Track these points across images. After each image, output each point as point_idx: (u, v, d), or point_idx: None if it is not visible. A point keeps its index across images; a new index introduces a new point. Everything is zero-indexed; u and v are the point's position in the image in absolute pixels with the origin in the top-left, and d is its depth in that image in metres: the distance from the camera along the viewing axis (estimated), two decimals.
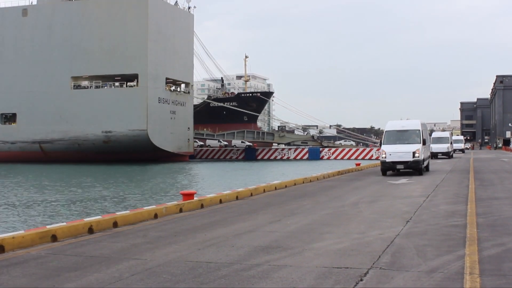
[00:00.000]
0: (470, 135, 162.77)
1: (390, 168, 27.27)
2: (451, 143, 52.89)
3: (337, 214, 13.13)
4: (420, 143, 27.05)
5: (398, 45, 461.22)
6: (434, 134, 55.42)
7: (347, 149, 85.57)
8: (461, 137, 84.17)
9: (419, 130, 27.84)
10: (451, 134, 60.45)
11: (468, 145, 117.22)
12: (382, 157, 27.30)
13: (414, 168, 26.84)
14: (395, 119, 31.80)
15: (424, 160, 27.77)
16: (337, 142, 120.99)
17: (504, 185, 21.11)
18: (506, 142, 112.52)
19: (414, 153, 26.56)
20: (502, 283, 6.71)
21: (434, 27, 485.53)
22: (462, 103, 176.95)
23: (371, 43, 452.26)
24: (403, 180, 24.00)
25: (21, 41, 79.10)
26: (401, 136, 28.05)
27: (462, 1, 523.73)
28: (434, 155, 47.89)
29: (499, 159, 48.34)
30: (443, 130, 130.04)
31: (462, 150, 72.57)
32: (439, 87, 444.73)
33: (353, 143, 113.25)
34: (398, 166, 26.92)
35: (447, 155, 51.24)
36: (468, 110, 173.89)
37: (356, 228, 10.98)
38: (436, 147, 49.88)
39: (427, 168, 30.16)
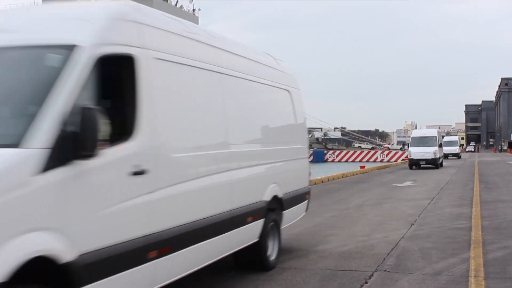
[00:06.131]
0: (475, 137, 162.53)
1: None
2: (439, 146, 38.77)
3: (342, 217, 13.11)
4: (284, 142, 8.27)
5: (404, 47, 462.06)
6: (415, 133, 42.15)
7: (351, 152, 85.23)
8: (455, 138, 69.02)
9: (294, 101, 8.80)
10: (440, 134, 45.49)
11: (472, 148, 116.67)
12: None
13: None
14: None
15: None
16: (356, 145, 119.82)
17: (509, 188, 21.03)
18: (511, 145, 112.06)
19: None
20: (507, 286, 6.70)
21: (440, 29, 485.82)
22: (467, 106, 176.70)
23: (377, 45, 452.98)
24: (407, 182, 23.97)
25: None
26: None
27: (469, 4, 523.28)
28: (414, 163, 37.13)
29: (504, 162, 48.16)
30: (449, 132, 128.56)
31: (457, 155, 58.65)
32: (444, 90, 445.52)
33: (368, 146, 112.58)
34: None
35: (433, 163, 36.71)
36: (473, 112, 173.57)
37: (361, 230, 10.97)
38: (417, 152, 37.03)
39: None
